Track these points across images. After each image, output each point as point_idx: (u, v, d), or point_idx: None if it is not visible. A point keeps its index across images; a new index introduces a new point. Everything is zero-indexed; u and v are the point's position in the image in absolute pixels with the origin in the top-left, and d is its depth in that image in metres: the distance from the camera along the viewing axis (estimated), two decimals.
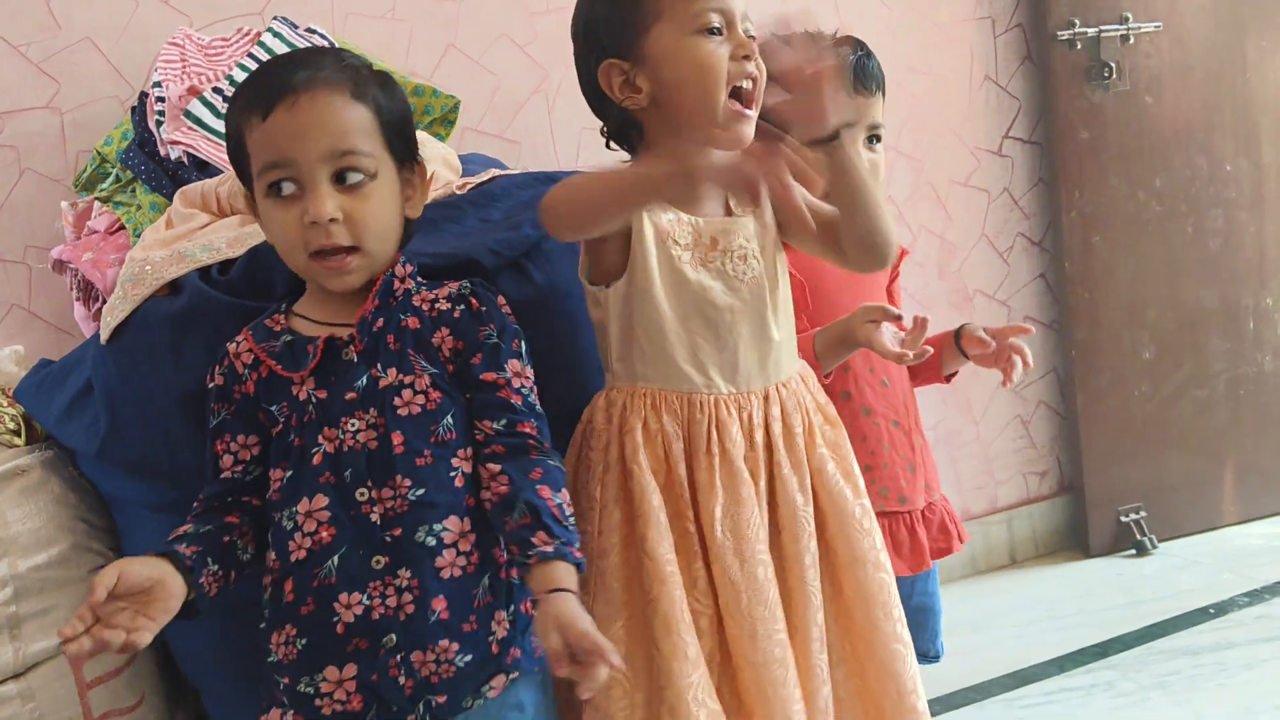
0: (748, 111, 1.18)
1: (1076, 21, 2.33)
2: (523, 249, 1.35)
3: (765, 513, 1.21)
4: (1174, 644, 2.00)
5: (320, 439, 1.10)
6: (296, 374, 1.12)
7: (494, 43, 1.98)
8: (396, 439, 1.10)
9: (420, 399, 1.12)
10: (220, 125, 1.44)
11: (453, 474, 1.11)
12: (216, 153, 1.43)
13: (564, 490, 1.11)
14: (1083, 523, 2.47)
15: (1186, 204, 2.45)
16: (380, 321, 1.13)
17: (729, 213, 1.25)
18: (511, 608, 1.13)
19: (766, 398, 1.22)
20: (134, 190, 1.52)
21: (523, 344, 1.18)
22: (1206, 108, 2.46)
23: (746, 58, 1.17)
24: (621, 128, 1.24)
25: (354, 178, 1.08)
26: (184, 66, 1.52)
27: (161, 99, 1.48)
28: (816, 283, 1.46)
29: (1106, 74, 2.34)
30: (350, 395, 1.11)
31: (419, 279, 1.19)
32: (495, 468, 1.11)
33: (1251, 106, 2.50)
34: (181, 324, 1.25)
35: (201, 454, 1.19)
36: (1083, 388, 2.43)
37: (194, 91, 1.48)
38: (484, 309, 1.16)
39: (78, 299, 1.57)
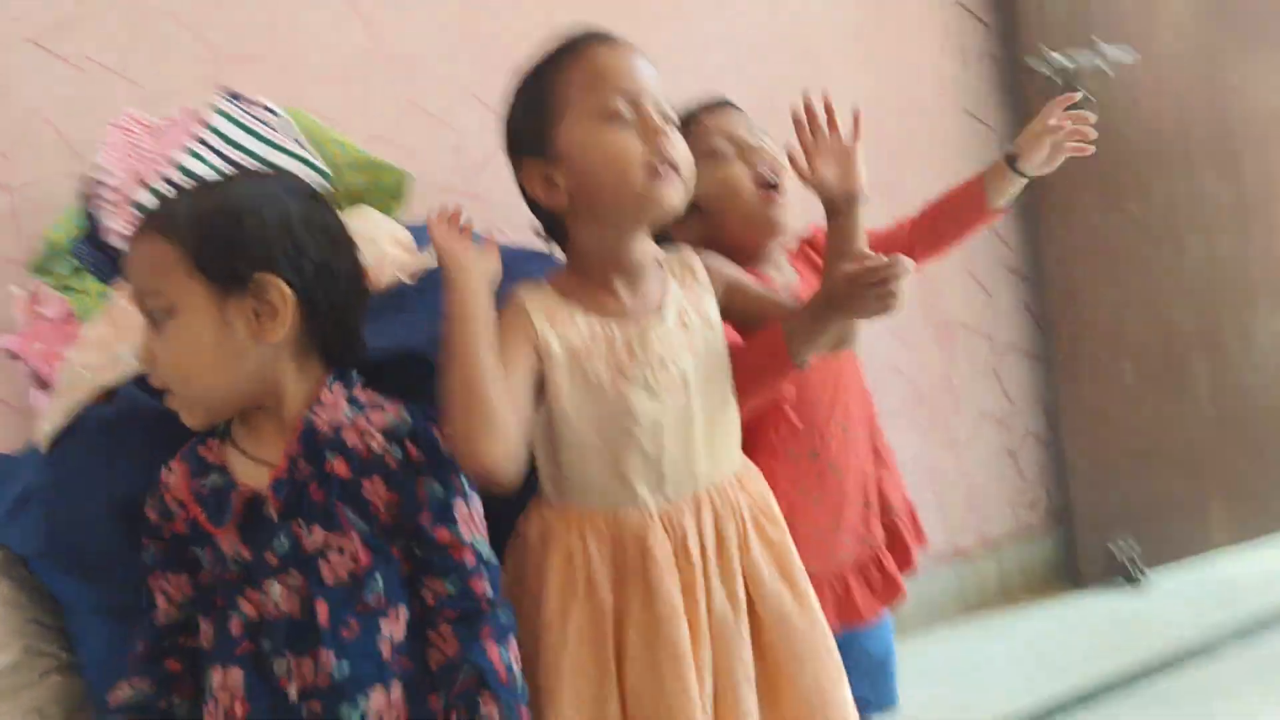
0: (661, 171, 1.12)
1: (1050, 51, 2.29)
2: None
3: (703, 632, 1.14)
4: (1167, 684, 1.98)
5: (240, 601, 1.04)
6: (218, 529, 1.06)
7: (455, 99, 1.94)
8: (321, 609, 1.02)
9: (348, 562, 1.04)
10: None
11: (380, 641, 1.04)
12: None
13: (513, 641, 1.09)
14: (1072, 555, 2.44)
15: (1168, 228, 2.42)
16: (302, 465, 1.06)
17: (658, 306, 1.20)
18: None
19: (698, 506, 1.17)
20: (86, 276, 1.49)
21: (461, 477, 1.11)
22: (1184, 132, 2.42)
23: (658, 134, 1.12)
24: (549, 228, 1.22)
25: (154, 317, 1.05)
26: (129, 150, 1.48)
27: (108, 186, 1.44)
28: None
29: (1083, 104, 2.30)
30: (272, 559, 1.04)
31: (358, 400, 1.11)
32: (446, 629, 1.06)
33: (1231, 127, 2.46)
34: (115, 431, 1.22)
35: (137, 562, 1.14)
36: (1067, 415, 2.40)
37: (140, 180, 1.44)
38: (422, 456, 1.08)
39: (34, 385, 1.54)
